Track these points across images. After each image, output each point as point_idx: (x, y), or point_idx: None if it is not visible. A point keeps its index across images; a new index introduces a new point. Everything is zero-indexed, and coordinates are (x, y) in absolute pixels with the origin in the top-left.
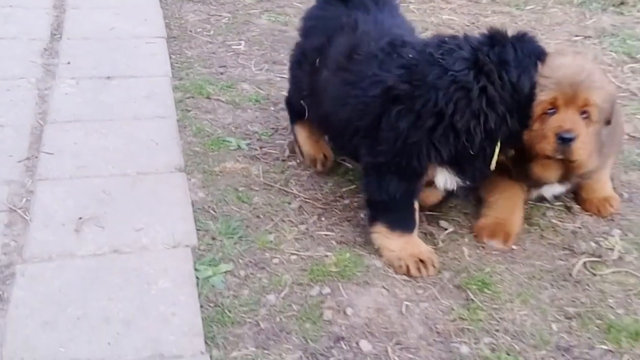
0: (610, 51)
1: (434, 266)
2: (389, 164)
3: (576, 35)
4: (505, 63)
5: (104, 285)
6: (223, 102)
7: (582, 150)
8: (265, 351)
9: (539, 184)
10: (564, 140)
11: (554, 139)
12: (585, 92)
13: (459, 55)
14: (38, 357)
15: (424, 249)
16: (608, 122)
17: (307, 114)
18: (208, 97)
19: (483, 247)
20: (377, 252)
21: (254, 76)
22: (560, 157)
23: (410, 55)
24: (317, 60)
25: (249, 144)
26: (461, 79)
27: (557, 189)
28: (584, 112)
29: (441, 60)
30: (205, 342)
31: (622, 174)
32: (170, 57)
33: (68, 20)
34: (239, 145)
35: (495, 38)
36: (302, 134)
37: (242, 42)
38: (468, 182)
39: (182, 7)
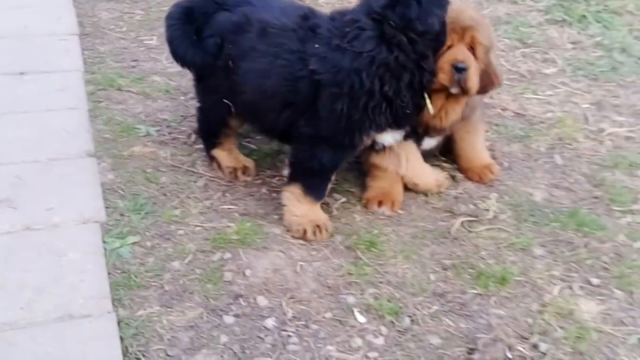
0: (504, 38)
1: (327, 231)
2: (329, 138)
3: None
4: (409, 21)
5: (18, 259)
6: (134, 93)
7: (474, 80)
8: (169, 309)
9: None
10: (458, 70)
11: (450, 69)
12: (472, 31)
13: (366, 35)
14: None
15: (322, 217)
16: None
17: (232, 110)
18: (119, 89)
19: (373, 214)
20: (277, 222)
21: (165, 69)
22: (455, 88)
23: (317, 46)
24: (230, 62)
25: (158, 130)
26: (376, 56)
27: (431, 142)
28: (471, 48)
29: (351, 48)
30: (113, 304)
31: (505, 146)
32: (83, 53)
33: None
34: (148, 132)
35: None
36: (220, 154)
37: (154, 38)
38: (408, 129)
39: (96, 5)
